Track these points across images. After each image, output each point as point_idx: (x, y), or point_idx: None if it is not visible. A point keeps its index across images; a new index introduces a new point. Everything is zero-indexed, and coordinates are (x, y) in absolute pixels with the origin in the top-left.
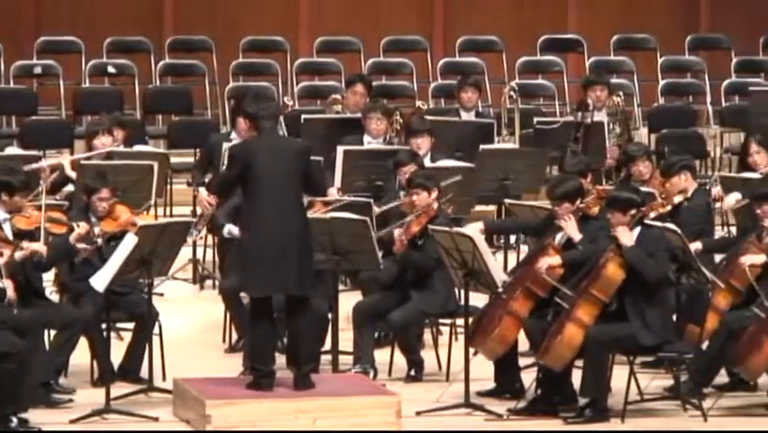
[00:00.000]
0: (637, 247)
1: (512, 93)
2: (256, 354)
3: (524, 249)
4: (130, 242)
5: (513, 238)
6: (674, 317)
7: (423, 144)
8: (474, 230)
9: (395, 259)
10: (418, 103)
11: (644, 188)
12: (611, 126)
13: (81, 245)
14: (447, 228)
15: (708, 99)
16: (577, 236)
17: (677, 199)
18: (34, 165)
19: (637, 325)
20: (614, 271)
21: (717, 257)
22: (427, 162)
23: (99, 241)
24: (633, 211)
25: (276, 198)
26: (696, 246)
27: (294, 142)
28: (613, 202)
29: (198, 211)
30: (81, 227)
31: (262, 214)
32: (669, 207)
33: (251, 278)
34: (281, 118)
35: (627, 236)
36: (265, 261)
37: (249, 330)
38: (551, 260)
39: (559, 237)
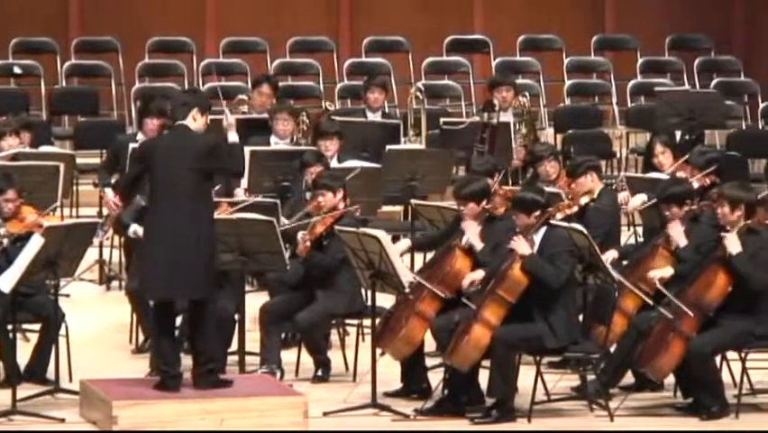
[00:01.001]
0: (536, 255)
1: (418, 93)
2: (161, 357)
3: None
4: (36, 243)
5: None
6: (580, 317)
7: (331, 146)
8: (403, 246)
9: (300, 260)
10: (326, 104)
11: (550, 189)
12: (517, 127)
13: None
14: (354, 229)
15: (614, 100)
16: (479, 245)
17: (583, 200)
18: None
19: (542, 327)
20: (519, 273)
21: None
22: (335, 164)
23: (5, 242)
24: (537, 212)
25: (174, 199)
26: (612, 255)
27: (199, 141)
28: (518, 204)
29: (105, 212)
30: None
31: (161, 215)
32: (575, 208)
33: (150, 282)
34: None
35: (524, 246)
36: (163, 265)
37: (152, 334)
38: (474, 275)
39: (466, 238)
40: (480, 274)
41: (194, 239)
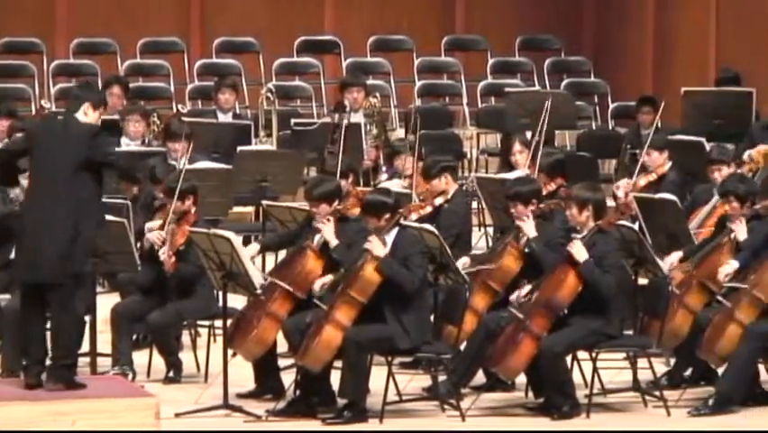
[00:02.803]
0: (390, 258)
1: (269, 94)
2: (24, 350)
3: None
4: None
5: None
6: (432, 318)
7: (180, 148)
8: (253, 250)
9: (155, 266)
10: (179, 106)
11: (401, 189)
12: (368, 128)
13: None
14: (205, 230)
15: (465, 100)
16: (333, 241)
17: (438, 201)
18: None
19: (395, 328)
20: (371, 273)
21: None
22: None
23: None
24: (387, 215)
25: (51, 185)
26: (464, 261)
27: (81, 130)
28: (367, 207)
29: None
30: None
31: (37, 199)
32: (430, 209)
33: (17, 266)
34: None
35: (379, 247)
36: (31, 249)
37: (19, 325)
38: (324, 280)
39: (317, 239)
40: (329, 278)
41: (68, 228)
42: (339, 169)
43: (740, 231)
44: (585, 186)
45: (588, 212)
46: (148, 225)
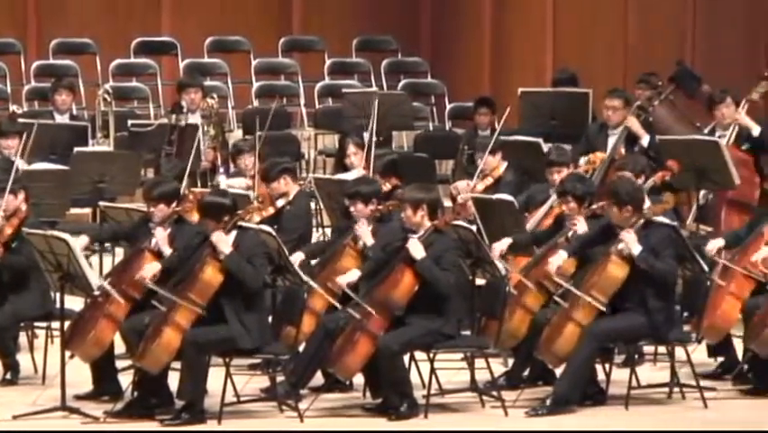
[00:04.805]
0: (236, 253)
1: (106, 96)
2: None
3: (119, 252)
4: None
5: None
6: (270, 319)
7: (12, 146)
8: (83, 241)
9: None
10: (12, 107)
11: (240, 191)
12: (206, 129)
13: None
14: (42, 231)
15: (302, 101)
16: (167, 250)
17: (280, 203)
18: None
19: (236, 328)
20: (212, 274)
21: None
22: (23, 165)
23: None
24: (226, 217)
25: None
26: (299, 257)
27: None
28: (205, 209)
29: None
30: None
31: None
32: (272, 210)
33: None
34: None
35: (226, 244)
36: None
37: None
38: (150, 269)
39: (154, 241)
40: (157, 266)
41: None
42: (177, 170)
43: (580, 227)
44: (417, 187)
45: (422, 212)
46: None
